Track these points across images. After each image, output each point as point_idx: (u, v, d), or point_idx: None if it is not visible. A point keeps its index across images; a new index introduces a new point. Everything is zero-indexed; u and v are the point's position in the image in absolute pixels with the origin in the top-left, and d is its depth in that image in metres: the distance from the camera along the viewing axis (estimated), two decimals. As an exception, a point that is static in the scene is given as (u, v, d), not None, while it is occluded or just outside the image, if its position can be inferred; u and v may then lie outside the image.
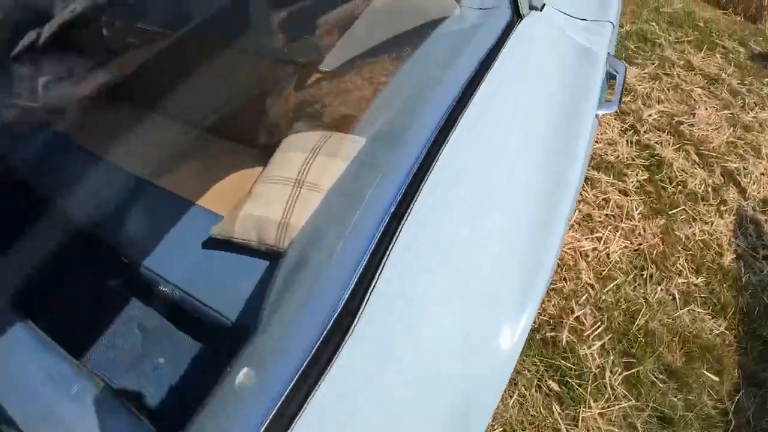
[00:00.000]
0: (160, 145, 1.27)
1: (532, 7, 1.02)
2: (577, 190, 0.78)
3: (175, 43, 1.30)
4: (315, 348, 0.55)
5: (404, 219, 0.66)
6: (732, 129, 2.36)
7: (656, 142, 2.19)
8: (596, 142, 2.10)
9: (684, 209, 1.91)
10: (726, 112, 2.46)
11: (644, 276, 1.67)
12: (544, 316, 1.50)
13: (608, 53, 1.03)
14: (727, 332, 1.63)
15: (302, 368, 0.54)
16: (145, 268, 1.11)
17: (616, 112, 2.31)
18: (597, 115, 0.89)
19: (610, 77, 1.03)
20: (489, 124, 0.80)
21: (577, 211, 1.77)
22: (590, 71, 0.94)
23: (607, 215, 1.79)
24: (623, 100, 2.39)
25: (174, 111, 1.32)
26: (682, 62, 2.73)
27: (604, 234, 1.73)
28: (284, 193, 0.96)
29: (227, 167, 1.19)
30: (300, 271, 0.81)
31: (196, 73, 1.24)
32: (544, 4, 1.04)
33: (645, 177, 1.99)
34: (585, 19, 1.07)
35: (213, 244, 1.04)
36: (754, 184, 2.14)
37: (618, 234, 1.75)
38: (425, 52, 1.03)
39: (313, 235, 0.87)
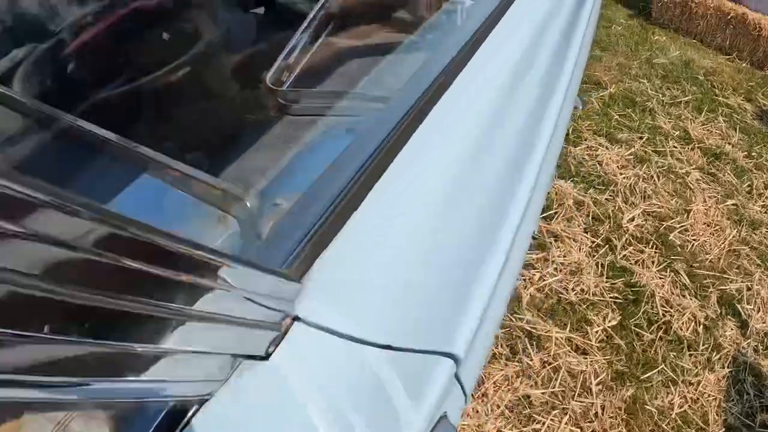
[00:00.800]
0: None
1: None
2: None
3: None
4: None
5: None
6: (736, 229, 1.94)
7: (636, 262, 1.79)
8: (555, 271, 1.72)
9: (663, 369, 1.53)
10: (729, 203, 2.03)
11: (598, 488, 1.31)
12: None
13: None
14: None
15: None
16: None
17: (588, 217, 1.92)
18: None
19: None
20: None
21: (510, 392, 1.40)
22: None
23: (553, 393, 1.43)
24: (597, 198, 1.99)
25: None
26: (677, 133, 2.30)
27: (545, 423, 1.37)
28: None
29: None
30: None
31: None
32: (293, 319, 0.47)
33: (615, 322, 1.62)
34: (390, 347, 0.48)
35: None
36: (758, 311, 1.73)
37: (565, 420, 1.39)
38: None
39: None
